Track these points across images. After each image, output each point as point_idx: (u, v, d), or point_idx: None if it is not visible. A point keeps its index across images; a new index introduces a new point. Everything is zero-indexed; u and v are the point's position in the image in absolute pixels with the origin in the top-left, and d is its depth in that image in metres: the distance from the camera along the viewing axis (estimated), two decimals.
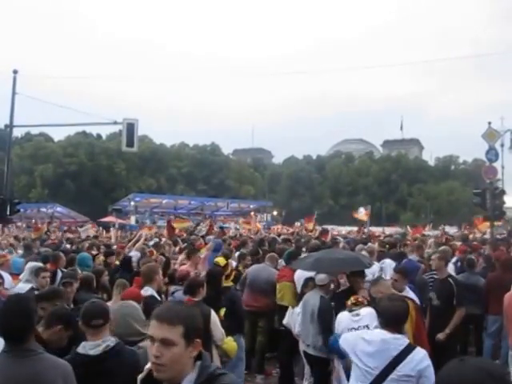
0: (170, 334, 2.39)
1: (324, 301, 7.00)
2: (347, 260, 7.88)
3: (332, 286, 7.62)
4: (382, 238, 16.95)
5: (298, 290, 8.01)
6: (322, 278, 7.16)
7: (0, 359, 3.29)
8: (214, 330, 6.23)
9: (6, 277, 8.40)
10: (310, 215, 27.02)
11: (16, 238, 18.38)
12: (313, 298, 7.10)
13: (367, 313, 5.88)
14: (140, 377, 2.49)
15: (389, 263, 9.82)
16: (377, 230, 27.50)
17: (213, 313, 6.29)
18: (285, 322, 8.02)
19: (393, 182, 79.39)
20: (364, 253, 10.46)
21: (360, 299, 6.19)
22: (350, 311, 6.09)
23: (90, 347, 3.75)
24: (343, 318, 6.13)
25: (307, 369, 7.44)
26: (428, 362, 4.17)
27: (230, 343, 6.45)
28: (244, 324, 8.15)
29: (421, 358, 4.15)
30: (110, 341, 3.81)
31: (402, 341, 4.24)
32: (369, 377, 4.21)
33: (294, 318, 7.54)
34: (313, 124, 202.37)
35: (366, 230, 24.80)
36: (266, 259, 9.82)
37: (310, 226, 22.79)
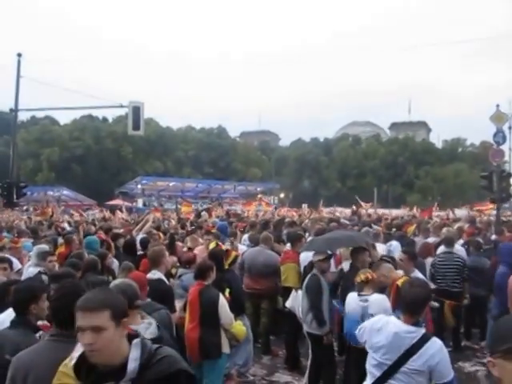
0: (99, 320, 2.50)
1: (312, 277, 7.10)
2: (356, 236, 8.02)
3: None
4: (388, 220, 16.91)
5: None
6: (315, 255, 7.23)
7: (47, 343, 3.31)
8: (222, 314, 6.26)
9: (15, 262, 8.47)
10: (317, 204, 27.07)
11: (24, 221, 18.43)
12: (308, 277, 7.16)
13: (376, 300, 5.86)
14: (71, 365, 2.57)
15: (396, 245, 9.81)
16: (384, 212, 27.38)
17: (221, 297, 6.33)
18: (288, 305, 8.04)
19: (400, 165, 78.98)
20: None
21: (370, 276, 6.13)
22: (359, 294, 6.06)
23: None
24: (351, 300, 6.13)
25: (311, 349, 7.53)
26: (441, 355, 4.03)
27: (238, 327, 6.50)
28: (244, 305, 8.18)
29: (433, 352, 4.01)
30: None
31: (416, 333, 4.10)
32: (383, 367, 4.18)
33: (298, 301, 7.58)
34: (320, 107, 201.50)
35: (369, 212, 24.69)
36: (260, 241, 9.78)
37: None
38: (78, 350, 2.59)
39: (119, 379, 2.49)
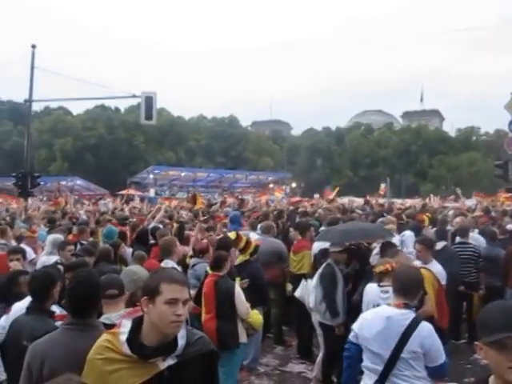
0: (187, 294, 2.77)
1: (327, 267, 7.04)
2: (372, 230, 7.96)
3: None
4: (401, 209, 16.77)
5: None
6: (334, 245, 7.18)
7: (63, 332, 3.35)
8: (238, 303, 6.26)
9: (29, 251, 8.53)
10: (330, 189, 26.88)
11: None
12: (323, 266, 7.14)
13: None
14: (121, 339, 2.71)
15: (409, 235, 9.72)
16: (397, 201, 27.20)
17: (237, 287, 6.33)
18: (297, 294, 8.02)
19: (412, 154, 78.43)
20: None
21: (389, 266, 6.05)
22: (380, 285, 5.98)
23: (115, 318, 3.73)
24: (370, 291, 6.01)
25: (320, 339, 7.53)
26: (433, 337, 4.09)
27: (255, 316, 6.50)
28: (268, 295, 8.14)
29: (426, 334, 4.06)
30: None
31: (408, 315, 4.13)
32: (382, 358, 4.13)
33: (308, 290, 7.56)
34: (332, 96, 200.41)
35: (381, 201, 24.52)
36: (262, 230, 9.78)
37: (331, 196, 22.67)
38: (125, 326, 2.73)
39: (167, 354, 2.67)
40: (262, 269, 8.03)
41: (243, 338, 6.39)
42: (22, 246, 8.78)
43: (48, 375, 3.11)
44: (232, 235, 7.98)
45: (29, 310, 4.09)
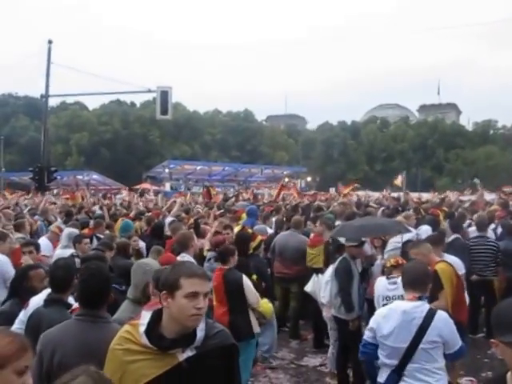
0: (208, 287, 2.85)
1: (342, 261, 7.02)
2: (388, 225, 7.93)
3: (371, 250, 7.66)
4: (418, 203, 16.66)
5: None
6: (349, 240, 7.16)
7: (74, 323, 3.41)
8: (248, 293, 6.31)
9: (47, 243, 8.60)
10: (348, 183, 26.74)
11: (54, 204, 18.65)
12: (338, 260, 7.12)
13: None
14: (140, 330, 2.75)
15: (425, 229, 9.65)
16: (413, 195, 26.98)
17: (244, 277, 6.37)
18: (308, 289, 8.03)
19: (429, 148, 77.82)
20: (400, 218, 10.28)
21: (400, 261, 6.05)
22: (388, 278, 6.00)
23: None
24: (379, 285, 6.07)
25: (331, 334, 7.53)
26: (450, 325, 4.17)
27: (265, 305, 6.55)
28: (272, 289, 8.16)
29: (443, 323, 4.13)
30: None
31: (423, 307, 4.19)
32: (399, 352, 4.17)
33: (319, 285, 7.55)
34: (347, 90, 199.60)
35: (396, 196, 24.35)
36: (291, 225, 9.75)
37: (345, 191, 22.59)
38: (145, 317, 2.77)
39: (186, 346, 2.71)
40: (266, 263, 8.07)
41: (256, 327, 6.44)
42: (44, 239, 8.89)
43: (58, 364, 3.20)
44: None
45: (47, 302, 4.13)
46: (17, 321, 4.39)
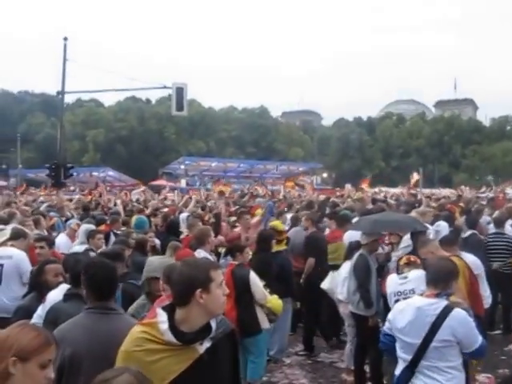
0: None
1: (360, 257, 7.01)
2: (404, 221, 7.90)
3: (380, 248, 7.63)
4: (434, 199, 16.56)
5: None
6: (364, 236, 7.15)
7: (85, 315, 3.45)
8: (254, 289, 6.33)
9: (66, 240, 8.68)
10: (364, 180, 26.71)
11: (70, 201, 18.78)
12: (356, 257, 7.10)
13: (415, 276, 5.73)
14: (162, 328, 2.76)
15: (444, 226, 9.58)
16: (430, 192, 26.84)
17: (251, 273, 6.38)
18: (325, 286, 8.00)
19: (446, 144, 77.24)
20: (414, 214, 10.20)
21: (412, 259, 6.04)
22: (399, 273, 6.00)
23: None
24: (391, 281, 6.04)
25: (348, 330, 7.53)
26: (466, 324, 4.08)
27: (274, 301, 6.51)
28: (294, 289, 8.12)
29: (458, 322, 4.04)
30: None
31: (438, 305, 4.12)
32: (413, 348, 4.17)
33: (336, 282, 7.54)
34: (363, 85, 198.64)
35: (414, 192, 24.24)
36: (302, 221, 9.77)
37: (363, 186, 22.55)
38: (161, 315, 2.78)
39: (205, 337, 2.79)
40: (291, 261, 8.05)
41: (265, 323, 6.43)
42: (63, 235, 8.95)
43: (70, 358, 3.23)
44: (278, 225, 8.11)
45: (66, 296, 4.17)
46: (35, 315, 4.43)
